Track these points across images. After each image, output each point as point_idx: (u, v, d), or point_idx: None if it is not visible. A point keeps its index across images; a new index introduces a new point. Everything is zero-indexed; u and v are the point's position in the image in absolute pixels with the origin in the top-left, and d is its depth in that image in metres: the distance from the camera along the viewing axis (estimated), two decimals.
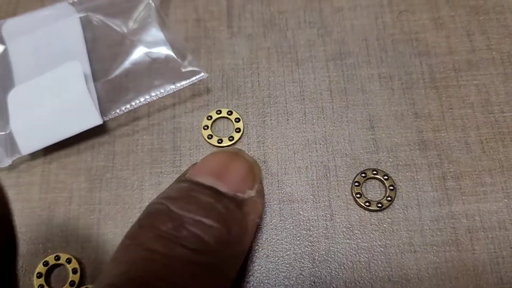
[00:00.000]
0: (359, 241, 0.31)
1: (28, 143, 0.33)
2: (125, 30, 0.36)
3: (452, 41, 0.36)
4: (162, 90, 0.33)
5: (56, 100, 0.33)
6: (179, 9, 0.38)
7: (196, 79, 0.33)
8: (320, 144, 0.33)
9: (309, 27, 0.37)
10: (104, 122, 0.33)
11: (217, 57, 0.36)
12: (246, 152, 0.33)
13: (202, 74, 0.34)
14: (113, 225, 0.32)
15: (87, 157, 0.34)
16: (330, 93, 0.35)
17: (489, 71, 0.35)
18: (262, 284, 0.30)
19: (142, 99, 0.33)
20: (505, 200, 0.32)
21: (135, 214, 0.32)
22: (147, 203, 0.31)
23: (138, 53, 0.35)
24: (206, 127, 0.34)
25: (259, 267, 0.31)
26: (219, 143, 0.33)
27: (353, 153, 0.33)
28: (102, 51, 0.36)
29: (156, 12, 0.35)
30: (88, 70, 0.34)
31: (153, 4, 0.35)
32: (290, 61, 0.36)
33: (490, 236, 0.31)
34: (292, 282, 0.30)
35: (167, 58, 0.34)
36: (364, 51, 0.36)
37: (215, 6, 0.38)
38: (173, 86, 0.33)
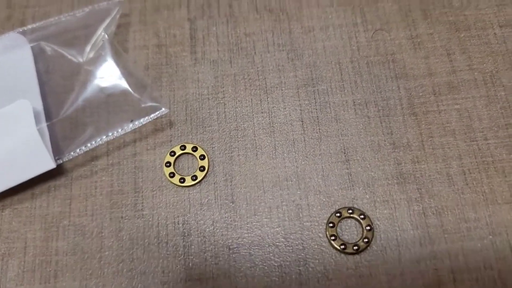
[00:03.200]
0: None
1: None
2: (80, 60, 0.34)
3: (431, 61, 0.34)
4: (119, 129, 0.31)
5: (5, 144, 0.30)
6: (139, 34, 0.35)
7: (156, 115, 0.31)
8: (291, 181, 0.31)
9: (278, 50, 0.35)
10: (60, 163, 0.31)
11: (180, 87, 0.34)
12: (213, 191, 0.31)
13: (163, 109, 0.31)
14: (71, 277, 0.30)
15: (42, 202, 0.31)
16: (301, 124, 0.33)
17: (471, 93, 0.33)
18: None
19: (99, 139, 0.31)
20: (490, 236, 0.30)
21: (94, 265, 0.30)
22: (107, 253, 0.29)
23: (94, 88, 0.32)
24: (168, 164, 0.31)
25: None
26: (181, 182, 0.31)
27: (327, 189, 0.31)
28: (57, 83, 0.34)
29: (109, 45, 0.32)
30: (40, 107, 0.32)
31: (106, 36, 0.32)
32: (259, 89, 0.34)
33: (475, 276, 0.29)
34: None
35: (124, 93, 0.32)
36: (338, 75, 0.34)
37: (178, 30, 0.35)
38: (131, 125, 0.31)
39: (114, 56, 0.32)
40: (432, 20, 0.35)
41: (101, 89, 0.32)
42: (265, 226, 0.30)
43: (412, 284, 0.29)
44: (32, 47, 0.34)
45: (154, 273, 0.29)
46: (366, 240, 0.29)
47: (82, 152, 0.31)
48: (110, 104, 0.32)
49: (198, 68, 0.34)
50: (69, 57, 0.34)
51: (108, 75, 0.32)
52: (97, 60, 0.32)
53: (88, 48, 0.34)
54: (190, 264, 0.29)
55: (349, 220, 0.30)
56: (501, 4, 0.35)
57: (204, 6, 0.36)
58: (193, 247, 0.30)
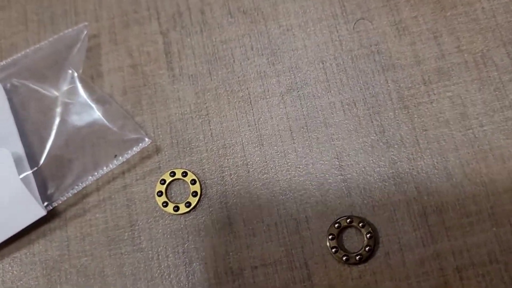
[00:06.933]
0: None
1: None
2: (55, 93, 0.32)
3: (418, 47, 0.32)
4: (105, 168, 0.30)
5: None
6: (111, 55, 0.34)
7: (139, 147, 0.30)
8: (286, 195, 0.31)
9: (257, 55, 0.33)
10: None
11: (162, 108, 0.33)
12: (209, 216, 0.30)
13: (146, 140, 0.30)
14: None
15: (40, 247, 0.31)
16: (290, 133, 0.32)
17: (462, 78, 0.32)
18: None
19: (86, 180, 0.30)
20: (494, 228, 0.29)
21: None
22: None
23: (73, 123, 0.31)
24: (160, 193, 0.31)
25: None
26: (175, 211, 0.30)
27: (323, 199, 0.30)
28: (35, 119, 0.33)
29: (80, 81, 0.31)
30: (22, 151, 0.31)
31: (75, 74, 0.31)
32: (242, 101, 0.32)
33: (481, 272, 0.29)
34: None
35: (103, 128, 0.31)
36: (322, 75, 0.32)
37: (151, 46, 0.34)
38: (115, 161, 0.30)
39: (85, 92, 0.31)
40: (415, 1, 0.33)
41: (80, 126, 0.31)
42: (265, 244, 0.30)
43: (418, 287, 0.29)
44: (4, 86, 0.33)
45: None
46: (368, 248, 0.29)
47: (71, 194, 0.30)
48: (93, 137, 0.31)
49: (177, 85, 0.33)
50: (43, 91, 0.33)
51: (84, 112, 0.31)
52: (71, 93, 0.31)
53: (61, 80, 0.33)
54: None
55: (349, 229, 0.30)
56: None
57: (175, 16, 0.34)
58: (196, 275, 0.30)
